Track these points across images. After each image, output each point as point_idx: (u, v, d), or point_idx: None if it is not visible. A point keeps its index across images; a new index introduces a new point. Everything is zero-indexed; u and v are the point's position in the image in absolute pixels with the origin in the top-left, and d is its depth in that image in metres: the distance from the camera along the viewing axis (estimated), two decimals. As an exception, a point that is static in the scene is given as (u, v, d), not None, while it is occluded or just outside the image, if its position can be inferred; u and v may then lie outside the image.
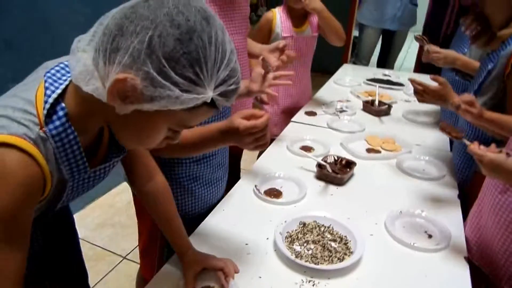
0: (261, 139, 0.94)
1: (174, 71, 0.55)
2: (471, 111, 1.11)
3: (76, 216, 1.10)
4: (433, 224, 1.14)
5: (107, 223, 2.32)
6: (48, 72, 0.65)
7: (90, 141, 0.72)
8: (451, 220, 1.16)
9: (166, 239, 0.97)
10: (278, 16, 1.84)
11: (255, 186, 1.27)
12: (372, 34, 3.16)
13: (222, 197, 1.28)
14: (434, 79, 1.38)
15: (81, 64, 0.59)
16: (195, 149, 1.02)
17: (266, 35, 1.84)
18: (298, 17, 1.86)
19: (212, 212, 1.17)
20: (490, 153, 0.91)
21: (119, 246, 2.16)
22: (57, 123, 0.62)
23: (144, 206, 0.97)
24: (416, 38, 1.83)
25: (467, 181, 1.44)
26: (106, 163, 0.76)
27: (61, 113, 0.62)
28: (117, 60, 0.55)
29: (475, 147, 0.95)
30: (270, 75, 1.22)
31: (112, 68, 0.56)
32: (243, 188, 1.29)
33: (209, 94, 0.58)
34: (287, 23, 1.85)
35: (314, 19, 1.90)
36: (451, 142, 1.65)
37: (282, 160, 1.48)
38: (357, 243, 1.02)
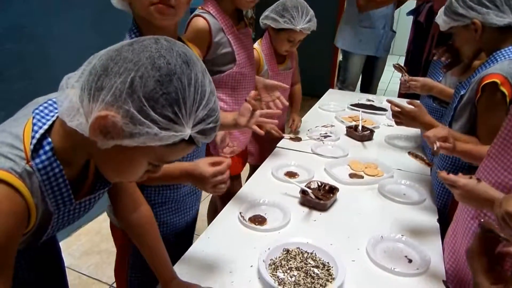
0: (221, 184, 1.06)
1: (153, 110, 0.58)
2: (445, 146, 1.16)
3: (61, 244, 1.10)
4: (413, 249, 1.16)
5: (93, 251, 2.30)
6: (36, 108, 0.68)
7: (76, 174, 0.74)
8: (431, 245, 1.19)
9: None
10: (262, 54, 1.92)
11: (240, 213, 1.29)
12: (357, 61, 3.26)
13: (193, 222, 1.34)
14: (410, 103, 1.45)
15: (68, 101, 0.62)
16: (159, 181, 1.09)
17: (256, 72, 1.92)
18: (280, 55, 1.98)
19: (198, 239, 1.19)
20: (461, 178, 0.95)
21: (105, 274, 2.14)
22: (43, 157, 0.65)
23: (129, 236, 0.99)
24: (395, 67, 1.90)
25: (446, 205, 1.48)
26: (92, 194, 0.78)
27: (47, 147, 0.65)
28: (101, 98, 0.58)
29: (445, 173, 0.99)
30: (257, 113, 1.25)
31: (96, 106, 0.59)
32: (228, 215, 1.31)
33: (187, 132, 0.62)
34: (272, 61, 1.95)
35: (292, 54, 2.05)
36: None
37: (267, 186, 1.51)
38: (339, 269, 1.04)
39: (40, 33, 1.99)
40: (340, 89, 3.39)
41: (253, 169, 2.00)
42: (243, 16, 1.62)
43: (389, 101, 1.54)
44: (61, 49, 2.09)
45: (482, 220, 0.81)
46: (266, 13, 1.86)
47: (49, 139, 0.66)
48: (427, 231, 1.26)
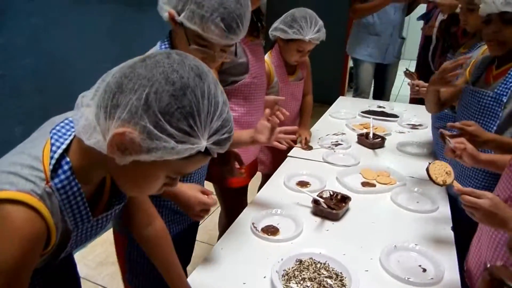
0: (204, 213, 1.13)
1: (169, 124, 0.59)
2: (465, 160, 1.15)
3: (77, 255, 1.13)
4: (427, 258, 1.16)
5: (108, 261, 2.33)
6: (53, 128, 0.70)
7: (93, 191, 0.76)
8: (445, 254, 1.18)
9: None
10: (272, 66, 1.93)
11: (252, 223, 1.30)
12: (367, 68, 3.28)
13: (191, 229, 1.38)
14: (451, 126, 1.27)
15: (84, 119, 0.64)
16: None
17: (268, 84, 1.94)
18: (291, 66, 1.99)
19: (211, 251, 1.20)
20: (481, 201, 0.92)
21: (120, 284, 2.14)
22: (62, 176, 0.66)
23: (143, 249, 1.00)
24: (405, 74, 1.90)
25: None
26: (108, 211, 0.80)
27: (66, 167, 0.67)
28: (117, 116, 0.60)
29: (466, 196, 0.95)
30: (277, 130, 1.27)
31: (112, 123, 0.60)
32: (241, 225, 1.32)
33: (203, 144, 0.63)
34: (282, 72, 1.96)
35: (304, 63, 2.06)
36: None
37: (279, 196, 1.52)
38: (352, 279, 1.04)
39: (56, 48, 2.05)
40: (354, 97, 3.39)
41: (265, 178, 2.01)
42: (257, 27, 1.63)
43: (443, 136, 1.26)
44: (77, 63, 2.14)
45: (489, 265, 0.80)
46: (275, 24, 1.88)
47: (68, 159, 0.67)
48: (441, 240, 1.25)
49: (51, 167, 0.65)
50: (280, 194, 1.54)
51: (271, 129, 1.26)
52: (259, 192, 1.58)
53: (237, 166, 1.48)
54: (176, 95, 0.60)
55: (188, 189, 1.12)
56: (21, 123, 1.88)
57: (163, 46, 1.11)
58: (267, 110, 1.30)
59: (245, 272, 1.11)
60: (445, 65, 1.40)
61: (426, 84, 1.75)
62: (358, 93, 3.36)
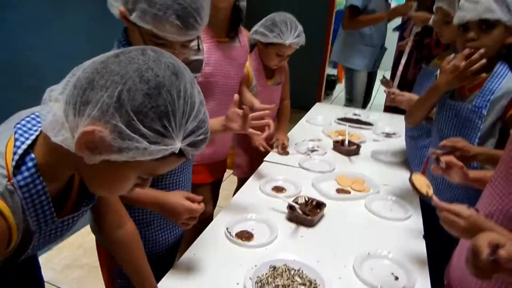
0: (192, 221, 1.07)
1: (142, 124, 0.57)
2: (454, 178, 1.16)
3: (42, 258, 1.07)
4: (399, 266, 1.17)
5: (75, 265, 2.24)
6: (18, 123, 0.66)
7: (59, 190, 0.72)
8: (417, 262, 1.19)
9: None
10: (251, 69, 1.92)
11: (227, 228, 1.28)
12: (363, 78, 3.38)
13: (181, 237, 1.32)
14: (444, 146, 1.26)
15: (52, 114, 0.60)
16: (133, 204, 1.09)
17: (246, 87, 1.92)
18: (269, 70, 1.99)
19: (182, 256, 1.17)
20: (463, 209, 0.91)
21: (87, 289, 2.08)
22: (26, 174, 0.63)
23: (112, 254, 0.97)
24: (382, 82, 1.93)
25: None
26: (75, 212, 0.76)
27: (30, 163, 0.63)
28: (87, 113, 0.57)
29: (442, 203, 0.95)
30: (250, 116, 1.25)
31: (82, 121, 0.57)
32: (214, 230, 1.30)
33: (177, 145, 0.60)
34: (260, 76, 1.95)
35: (283, 68, 2.05)
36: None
37: (254, 201, 1.50)
38: (325, 286, 1.04)
39: (31, 42, 1.97)
40: (347, 106, 3.45)
41: (241, 182, 1.99)
42: (235, 31, 1.62)
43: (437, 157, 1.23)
44: (53, 58, 2.06)
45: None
46: (255, 28, 1.87)
47: (32, 155, 0.63)
48: (413, 248, 1.27)
49: (13, 163, 0.62)
50: (256, 199, 1.52)
51: (243, 116, 1.23)
52: (234, 196, 1.56)
53: None
54: (151, 94, 0.57)
55: (173, 197, 1.06)
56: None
57: (120, 46, 1.03)
58: (236, 96, 1.28)
59: (218, 278, 1.08)
60: (455, 62, 1.30)
61: (403, 93, 1.78)
62: (353, 103, 3.43)
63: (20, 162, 0.62)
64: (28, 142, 0.64)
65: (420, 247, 1.28)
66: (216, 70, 1.56)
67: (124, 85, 0.56)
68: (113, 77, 0.57)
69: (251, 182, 1.66)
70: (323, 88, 5.13)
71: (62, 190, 0.74)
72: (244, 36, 1.70)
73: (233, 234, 1.27)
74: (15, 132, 0.64)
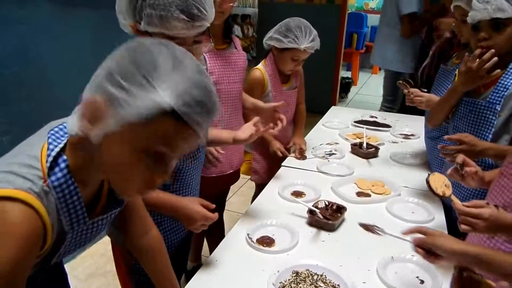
0: (203, 227, 1.11)
1: (125, 80, 0.58)
2: (470, 183, 1.16)
3: (66, 266, 1.09)
4: (424, 270, 1.15)
5: (98, 273, 2.28)
6: (51, 130, 0.70)
7: (90, 195, 0.76)
8: (442, 264, 1.17)
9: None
10: (266, 75, 1.93)
11: (248, 234, 1.28)
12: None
13: (186, 239, 1.34)
14: (449, 139, 1.28)
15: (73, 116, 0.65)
16: (151, 209, 1.08)
17: (259, 93, 1.93)
18: (284, 75, 2.00)
19: (205, 263, 1.18)
20: (483, 210, 0.90)
21: (111, 297, 2.11)
22: (59, 174, 0.66)
23: (138, 260, 0.98)
24: (399, 84, 1.91)
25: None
26: (104, 214, 0.78)
27: (62, 165, 0.67)
28: (91, 89, 0.62)
29: (462, 206, 0.95)
30: (260, 131, 1.30)
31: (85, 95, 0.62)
32: (236, 236, 1.30)
33: (163, 99, 0.57)
34: (276, 81, 1.96)
35: (298, 72, 2.06)
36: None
37: (274, 206, 1.50)
38: (350, 291, 1.03)
39: (43, 56, 2.02)
40: (390, 108, 3.45)
41: (259, 188, 1.99)
42: (230, 38, 1.66)
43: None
44: (64, 71, 2.11)
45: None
46: (269, 34, 1.88)
47: (64, 157, 0.67)
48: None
49: (48, 164, 0.65)
50: (275, 204, 1.52)
51: (254, 131, 1.28)
52: (253, 202, 1.56)
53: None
54: (131, 54, 0.61)
55: (190, 203, 1.10)
56: (8, 133, 1.84)
57: None
58: (257, 118, 1.32)
59: (240, 284, 1.09)
60: (468, 63, 1.29)
61: (421, 94, 1.76)
62: (396, 104, 3.46)
63: (53, 164, 0.66)
64: (61, 145, 0.68)
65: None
66: (220, 78, 1.61)
67: (113, 58, 0.62)
68: (109, 57, 0.63)
69: (269, 187, 1.66)
70: (337, 92, 5.11)
71: (93, 194, 0.77)
72: (238, 41, 1.74)
73: (254, 239, 1.27)
74: (49, 138, 0.68)
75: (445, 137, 1.26)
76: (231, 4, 1.49)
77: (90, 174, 0.71)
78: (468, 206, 0.94)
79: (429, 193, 1.18)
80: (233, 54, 1.68)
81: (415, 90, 1.77)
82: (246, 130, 1.29)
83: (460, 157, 1.16)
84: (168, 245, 1.23)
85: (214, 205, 1.11)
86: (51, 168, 0.65)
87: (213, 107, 0.62)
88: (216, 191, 1.78)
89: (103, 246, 2.42)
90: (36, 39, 1.97)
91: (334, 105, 4.60)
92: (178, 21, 0.94)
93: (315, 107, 4.19)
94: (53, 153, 0.66)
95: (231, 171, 1.83)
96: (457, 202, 0.99)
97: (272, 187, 1.65)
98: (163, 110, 0.57)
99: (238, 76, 1.70)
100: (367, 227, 1.36)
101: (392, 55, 3.38)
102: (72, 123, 0.64)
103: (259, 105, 1.75)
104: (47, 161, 0.65)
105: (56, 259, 0.77)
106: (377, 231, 1.33)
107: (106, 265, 2.32)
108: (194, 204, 1.10)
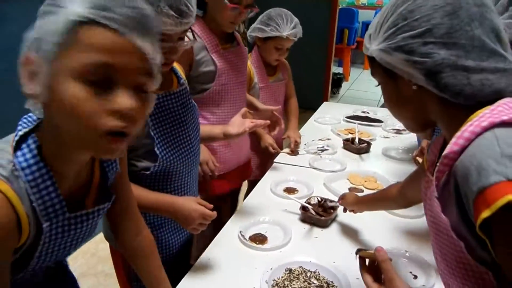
0: (202, 226, 1.07)
1: (39, 17, 0.57)
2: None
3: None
4: (417, 265, 1.15)
5: (89, 273, 2.25)
6: (23, 117, 0.66)
7: (75, 187, 0.69)
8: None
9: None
10: (252, 67, 1.92)
11: (240, 232, 1.27)
12: None
13: (189, 241, 1.32)
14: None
15: None
16: (146, 211, 1.08)
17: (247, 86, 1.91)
18: (271, 67, 1.99)
19: (197, 261, 1.16)
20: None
21: (102, 297, 2.09)
22: (28, 155, 0.61)
23: (129, 261, 0.96)
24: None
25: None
26: (89, 209, 0.72)
27: (32, 145, 0.61)
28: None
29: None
30: (247, 120, 1.28)
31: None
32: (228, 233, 1.29)
33: (72, 11, 0.54)
34: (261, 73, 1.95)
35: (284, 65, 2.06)
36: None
37: (266, 203, 1.49)
38: (344, 288, 1.02)
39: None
40: None
41: (251, 185, 1.98)
42: (233, 36, 1.63)
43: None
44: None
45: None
46: (252, 26, 1.89)
47: (35, 138, 0.62)
48: (430, 245, 1.24)
49: (14, 144, 0.60)
50: (267, 201, 1.51)
51: (242, 122, 1.27)
52: (246, 199, 1.55)
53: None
54: None
55: (186, 202, 1.07)
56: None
57: None
58: (244, 109, 1.31)
59: (233, 282, 1.07)
60: None
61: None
62: None
63: (22, 145, 0.61)
64: (30, 125, 0.63)
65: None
66: (229, 77, 1.58)
67: None
68: None
69: (262, 184, 1.64)
70: (329, 88, 5.11)
71: (78, 189, 0.71)
72: (239, 37, 1.71)
73: (247, 237, 1.26)
74: (21, 121, 0.65)
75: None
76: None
77: (65, 160, 0.65)
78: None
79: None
80: (237, 50, 1.64)
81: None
82: (237, 124, 1.27)
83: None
84: (170, 247, 1.22)
85: (212, 205, 1.08)
86: (18, 148, 0.60)
87: (138, 14, 0.57)
88: (228, 191, 1.75)
89: (94, 246, 2.39)
90: (22, 36, 1.93)
91: (326, 101, 4.60)
92: (167, 17, 0.92)
93: (307, 103, 4.18)
94: (20, 133, 0.61)
95: (238, 165, 1.79)
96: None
97: (264, 183, 1.64)
98: (74, 22, 0.54)
99: (244, 72, 1.69)
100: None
101: None
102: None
103: (256, 105, 1.74)
104: (13, 141, 0.61)
105: (38, 260, 0.69)
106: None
107: (97, 265, 2.30)
108: (190, 203, 1.06)
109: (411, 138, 2.15)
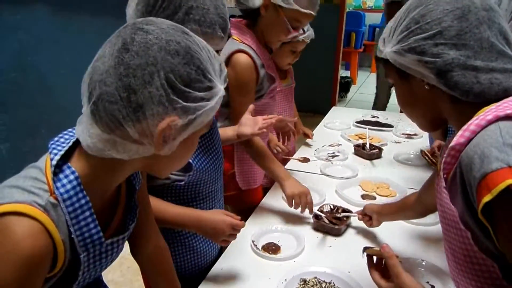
0: (232, 238, 1.07)
1: (198, 90, 0.59)
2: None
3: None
4: (434, 275, 1.12)
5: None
6: (52, 141, 0.65)
7: (104, 205, 0.69)
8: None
9: None
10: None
11: (253, 241, 1.25)
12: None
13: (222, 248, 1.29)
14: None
15: (93, 141, 0.59)
16: (173, 227, 1.08)
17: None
18: (282, 71, 1.98)
19: (210, 271, 1.15)
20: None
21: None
22: (68, 186, 0.60)
23: (143, 271, 0.95)
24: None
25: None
26: (124, 233, 0.72)
27: (71, 176, 0.61)
28: (148, 115, 0.57)
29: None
30: (259, 118, 1.28)
31: (148, 124, 0.58)
32: (240, 243, 1.27)
33: (220, 87, 0.64)
34: (276, 78, 1.92)
35: (291, 69, 2.05)
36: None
37: (278, 211, 1.47)
38: (360, 299, 1.00)
39: (41, 62, 2.00)
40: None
41: (263, 192, 1.96)
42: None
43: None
44: (64, 77, 2.09)
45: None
46: None
47: (72, 168, 0.61)
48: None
49: (52, 169, 0.60)
50: (279, 209, 1.49)
51: (254, 121, 1.27)
52: (257, 207, 1.53)
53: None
54: (187, 61, 0.59)
55: (212, 215, 1.06)
56: (7, 140, 1.81)
57: None
58: (251, 106, 1.30)
59: (247, 294, 1.06)
60: None
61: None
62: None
63: (59, 174, 0.61)
64: (61, 152, 0.62)
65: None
66: (275, 85, 1.61)
67: (164, 69, 0.57)
68: (147, 70, 0.56)
69: (273, 191, 1.63)
70: (337, 92, 5.09)
71: (107, 205, 0.71)
72: None
73: (260, 246, 1.24)
74: (49, 147, 0.64)
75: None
76: None
77: (103, 184, 0.65)
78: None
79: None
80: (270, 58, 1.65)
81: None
82: (249, 124, 1.26)
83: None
84: (208, 255, 1.21)
85: (239, 217, 1.07)
86: (55, 175, 0.60)
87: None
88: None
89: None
90: (35, 45, 1.95)
91: (334, 105, 4.58)
92: (217, 38, 0.95)
93: (315, 107, 4.17)
94: (54, 162, 0.60)
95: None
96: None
97: (275, 191, 1.62)
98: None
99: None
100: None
101: None
102: (94, 146, 0.60)
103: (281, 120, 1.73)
104: (51, 172, 0.60)
105: (77, 285, 0.68)
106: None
107: (107, 273, 2.28)
108: (218, 214, 1.05)
109: (422, 142, 2.12)
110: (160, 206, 0.98)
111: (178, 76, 0.57)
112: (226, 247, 1.26)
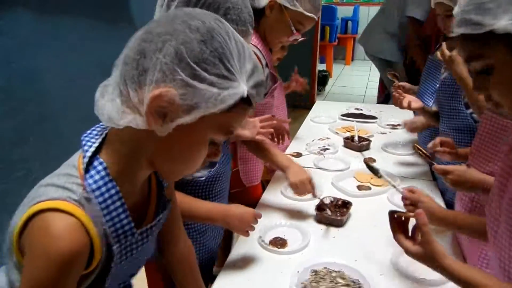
0: (252, 229, 1.15)
1: (207, 72, 0.56)
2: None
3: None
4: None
5: None
6: (84, 134, 0.65)
7: (135, 200, 0.69)
8: (448, 248, 1.22)
9: None
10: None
11: (260, 237, 1.28)
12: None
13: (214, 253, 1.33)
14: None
15: (109, 104, 0.59)
16: (202, 221, 1.15)
17: None
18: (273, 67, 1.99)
19: (223, 269, 1.17)
20: (452, 166, 1.05)
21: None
22: (96, 177, 0.60)
23: (169, 270, 0.96)
24: (390, 74, 1.95)
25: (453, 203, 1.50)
26: (153, 221, 0.72)
27: (99, 167, 0.61)
28: (148, 80, 0.55)
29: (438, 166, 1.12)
30: (256, 120, 1.33)
31: (145, 90, 0.56)
32: (247, 239, 1.29)
33: (243, 87, 0.59)
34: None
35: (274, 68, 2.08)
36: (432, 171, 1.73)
37: (279, 206, 1.51)
38: (370, 285, 1.05)
39: (29, 67, 1.94)
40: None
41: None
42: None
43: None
44: (52, 82, 2.04)
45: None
46: None
47: (100, 159, 0.61)
48: (442, 235, 1.29)
49: (84, 166, 0.60)
50: (280, 203, 1.53)
51: (252, 123, 1.32)
52: (259, 202, 1.56)
53: None
54: (205, 39, 0.56)
55: (237, 207, 1.14)
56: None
57: None
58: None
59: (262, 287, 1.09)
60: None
61: (404, 94, 1.70)
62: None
63: (90, 168, 0.61)
64: (95, 144, 0.63)
65: (448, 235, 1.30)
66: (276, 85, 1.66)
67: (176, 40, 0.55)
68: (162, 38, 0.56)
69: (271, 187, 1.66)
70: (315, 85, 5.16)
71: (139, 201, 0.70)
72: None
73: (267, 241, 1.27)
74: (82, 141, 0.64)
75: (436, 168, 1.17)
76: None
77: (132, 173, 0.64)
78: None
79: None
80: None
81: (405, 84, 1.80)
82: (247, 127, 1.31)
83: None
84: (213, 251, 1.27)
85: (253, 209, 1.16)
86: (86, 171, 0.60)
87: (264, 80, 0.65)
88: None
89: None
90: (21, 50, 1.89)
91: (313, 99, 4.65)
92: (250, 36, 0.99)
93: (295, 102, 4.22)
94: (88, 154, 0.60)
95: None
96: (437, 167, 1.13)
97: (274, 187, 1.66)
98: (241, 98, 0.59)
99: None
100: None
101: (386, 46, 3.49)
102: (109, 115, 0.59)
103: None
104: (83, 164, 0.60)
105: (110, 282, 0.67)
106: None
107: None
108: (241, 207, 1.13)
109: (406, 132, 2.20)
110: (187, 201, 1.04)
111: (190, 50, 0.55)
112: (226, 246, 1.30)
